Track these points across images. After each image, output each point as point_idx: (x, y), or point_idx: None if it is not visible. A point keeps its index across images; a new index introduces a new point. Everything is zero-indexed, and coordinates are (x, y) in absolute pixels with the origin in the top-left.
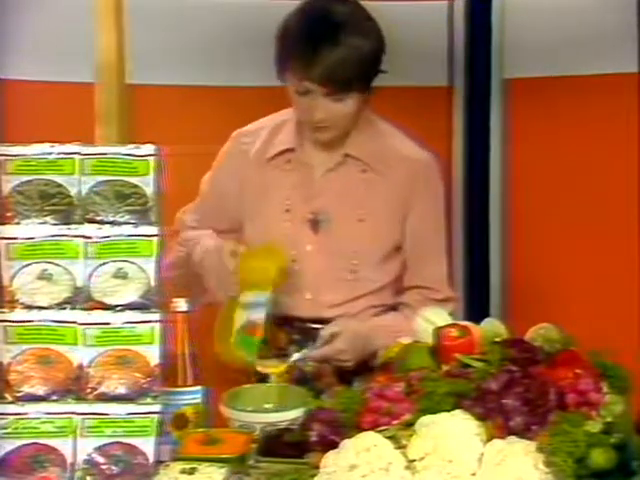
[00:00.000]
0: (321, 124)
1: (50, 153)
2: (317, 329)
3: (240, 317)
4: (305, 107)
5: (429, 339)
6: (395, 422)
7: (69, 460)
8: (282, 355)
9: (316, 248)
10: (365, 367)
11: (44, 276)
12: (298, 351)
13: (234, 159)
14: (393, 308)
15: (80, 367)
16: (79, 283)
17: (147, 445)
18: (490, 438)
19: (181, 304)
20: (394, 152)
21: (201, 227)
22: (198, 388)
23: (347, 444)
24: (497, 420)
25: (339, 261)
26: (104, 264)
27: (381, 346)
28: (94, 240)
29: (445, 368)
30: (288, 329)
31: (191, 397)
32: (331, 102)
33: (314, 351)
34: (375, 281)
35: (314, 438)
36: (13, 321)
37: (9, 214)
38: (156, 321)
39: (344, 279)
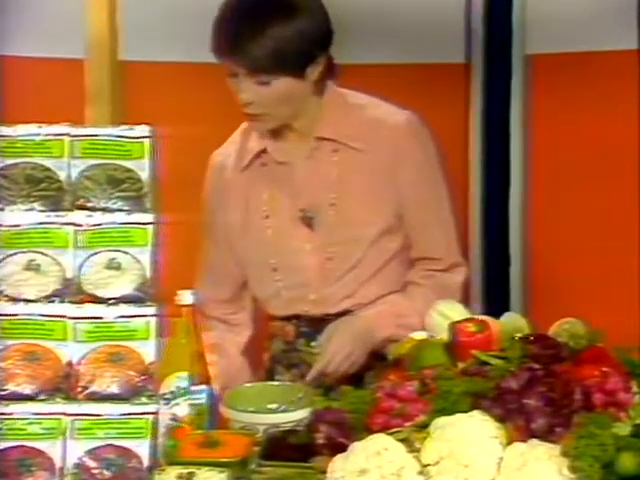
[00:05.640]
0: (251, 110)
1: (37, 134)
2: (325, 320)
3: (163, 417)
4: (234, 90)
5: (444, 334)
6: (408, 424)
7: (58, 464)
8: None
9: (315, 245)
10: (375, 359)
11: (31, 267)
12: (307, 345)
13: (216, 182)
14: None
15: (70, 364)
16: (69, 274)
17: (142, 448)
18: (510, 441)
19: (186, 296)
20: (370, 123)
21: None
22: (202, 387)
23: (356, 447)
24: (518, 422)
25: (336, 251)
26: (96, 254)
27: (386, 334)
28: (85, 228)
29: (461, 366)
30: (296, 322)
31: (194, 397)
32: (256, 85)
33: (317, 368)
34: (376, 261)
35: (321, 441)
36: None
37: None
38: (152, 315)
39: (345, 268)
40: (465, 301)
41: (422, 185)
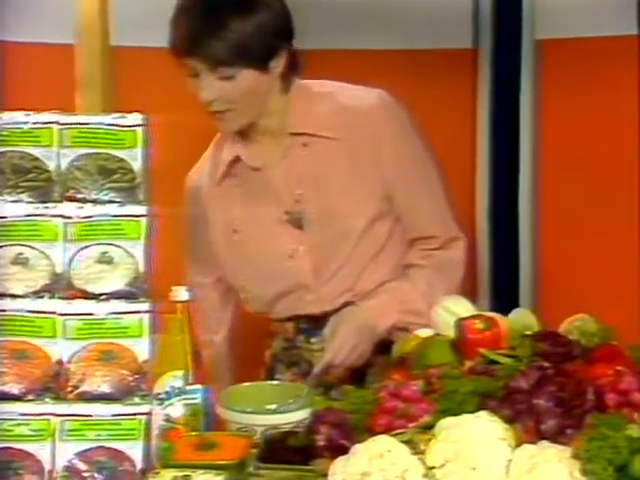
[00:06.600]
0: (215, 108)
1: (25, 122)
2: (325, 316)
3: (156, 418)
4: (195, 91)
5: (450, 332)
6: (412, 425)
7: (47, 467)
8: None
9: (309, 245)
10: (378, 354)
11: (19, 261)
12: (307, 341)
13: (194, 203)
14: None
15: (59, 363)
16: (58, 269)
17: (134, 450)
18: (519, 443)
19: (181, 292)
20: (341, 110)
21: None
22: (198, 387)
23: (358, 449)
24: (527, 423)
25: (329, 247)
26: (86, 247)
27: (390, 322)
28: (75, 220)
29: (468, 364)
30: (295, 319)
31: (189, 397)
32: (218, 81)
33: (324, 362)
34: (370, 248)
35: (321, 442)
36: None
37: None
38: (145, 312)
39: (339, 263)
40: (472, 296)
41: (406, 163)
